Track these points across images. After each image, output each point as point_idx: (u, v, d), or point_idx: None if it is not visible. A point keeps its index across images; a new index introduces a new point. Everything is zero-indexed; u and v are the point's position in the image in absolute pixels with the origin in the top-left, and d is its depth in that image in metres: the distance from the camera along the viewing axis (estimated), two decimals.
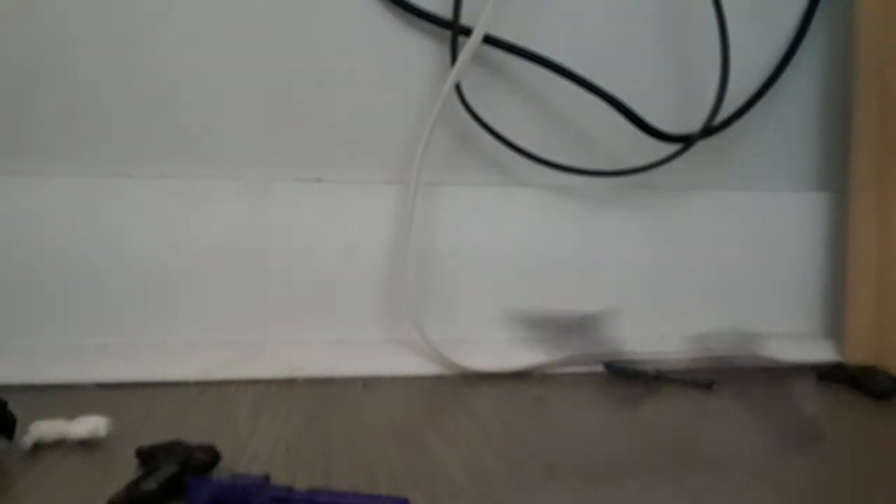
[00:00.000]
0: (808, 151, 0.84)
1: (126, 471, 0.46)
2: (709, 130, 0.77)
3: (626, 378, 0.72)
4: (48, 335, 0.71)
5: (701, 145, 0.78)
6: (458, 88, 0.75)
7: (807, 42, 0.81)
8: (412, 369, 0.72)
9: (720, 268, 0.82)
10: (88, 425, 0.52)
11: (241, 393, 0.65)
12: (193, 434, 0.50)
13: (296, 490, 0.42)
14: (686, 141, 0.77)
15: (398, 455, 0.50)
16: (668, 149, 0.78)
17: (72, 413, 0.53)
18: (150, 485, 0.42)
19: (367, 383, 0.69)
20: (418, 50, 0.76)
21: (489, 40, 0.74)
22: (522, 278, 0.78)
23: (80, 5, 0.71)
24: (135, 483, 0.43)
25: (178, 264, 0.73)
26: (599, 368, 0.74)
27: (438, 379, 0.71)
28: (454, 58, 0.74)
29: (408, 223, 0.73)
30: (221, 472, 0.46)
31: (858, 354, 0.76)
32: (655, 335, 0.80)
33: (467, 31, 0.73)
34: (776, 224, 0.83)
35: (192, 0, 0.72)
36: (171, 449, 0.47)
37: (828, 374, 0.73)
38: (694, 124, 0.78)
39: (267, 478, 0.43)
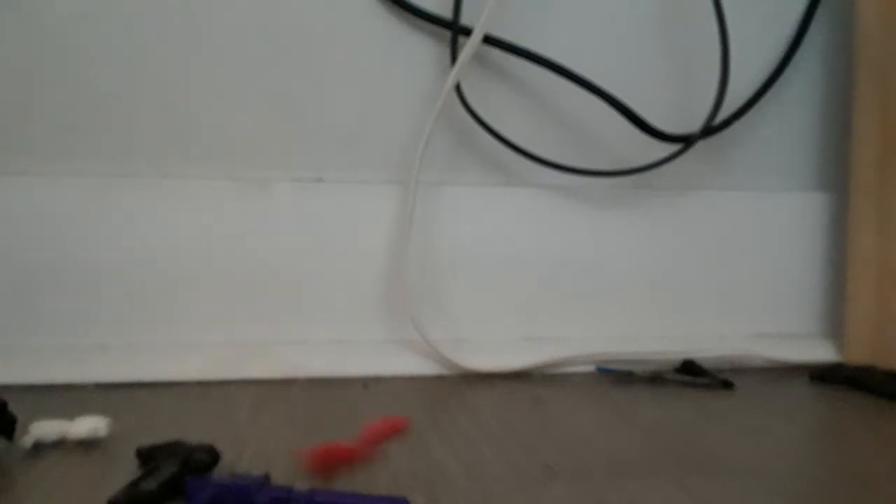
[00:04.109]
0: (808, 151, 0.84)
1: (126, 471, 0.46)
2: (709, 130, 0.77)
3: (622, 379, 0.72)
4: (48, 335, 0.71)
5: (701, 145, 0.78)
6: (458, 88, 0.75)
7: (807, 42, 0.81)
8: (412, 369, 0.72)
9: (720, 268, 0.82)
10: (88, 425, 0.52)
11: (241, 393, 0.65)
12: (193, 434, 0.50)
13: (296, 490, 0.42)
14: (686, 141, 0.77)
15: (398, 455, 0.50)
16: (668, 149, 0.78)
17: (72, 413, 0.53)
18: (150, 485, 0.42)
19: (367, 383, 0.69)
20: (418, 50, 0.76)
21: (489, 40, 0.74)
22: (522, 278, 0.78)
23: (81, 6, 0.71)
24: (135, 483, 0.43)
25: (178, 264, 0.73)
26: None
27: (438, 379, 0.71)
28: (454, 58, 0.74)
29: (408, 223, 0.73)
30: (221, 472, 0.46)
31: (858, 354, 0.76)
32: (655, 335, 0.80)
33: (467, 31, 0.73)
34: (776, 224, 0.83)
35: (192, 0, 0.73)
36: (171, 449, 0.47)
37: (827, 374, 0.73)
38: (694, 124, 0.78)
39: (267, 477, 0.43)
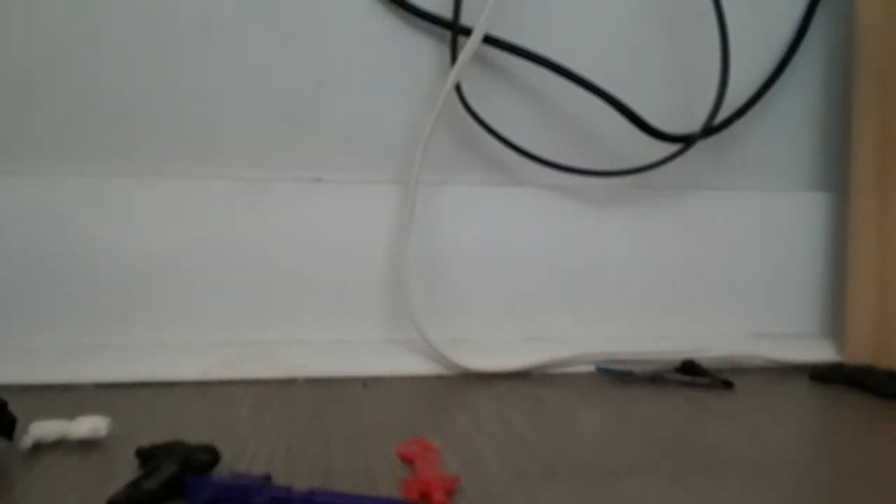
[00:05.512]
0: (808, 151, 0.84)
1: (126, 471, 0.46)
2: (709, 130, 0.77)
3: (622, 379, 0.72)
4: (48, 335, 0.71)
5: (701, 145, 0.78)
6: (458, 88, 0.75)
7: (807, 42, 0.81)
8: (412, 369, 0.72)
9: (720, 268, 0.82)
10: (88, 425, 0.52)
11: (241, 393, 0.65)
12: (193, 434, 0.50)
13: (296, 490, 0.42)
14: (686, 141, 0.77)
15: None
16: (668, 149, 0.78)
17: (72, 413, 0.53)
18: (151, 485, 0.42)
19: (367, 383, 0.69)
20: (418, 50, 0.76)
21: (489, 40, 0.74)
22: (522, 278, 0.78)
23: (80, 5, 0.71)
24: (135, 483, 0.43)
25: (178, 264, 0.73)
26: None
27: (438, 379, 0.71)
28: (454, 58, 0.74)
29: (408, 223, 0.73)
30: (221, 472, 0.46)
31: (858, 354, 0.76)
32: (655, 335, 0.80)
33: (467, 31, 0.73)
34: (776, 224, 0.83)
35: (191, 0, 0.73)
36: (171, 449, 0.47)
37: (827, 374, 0.73)
38: (694, 124, 0.78)
39: (268, 478, 0.43)
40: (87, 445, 0.51)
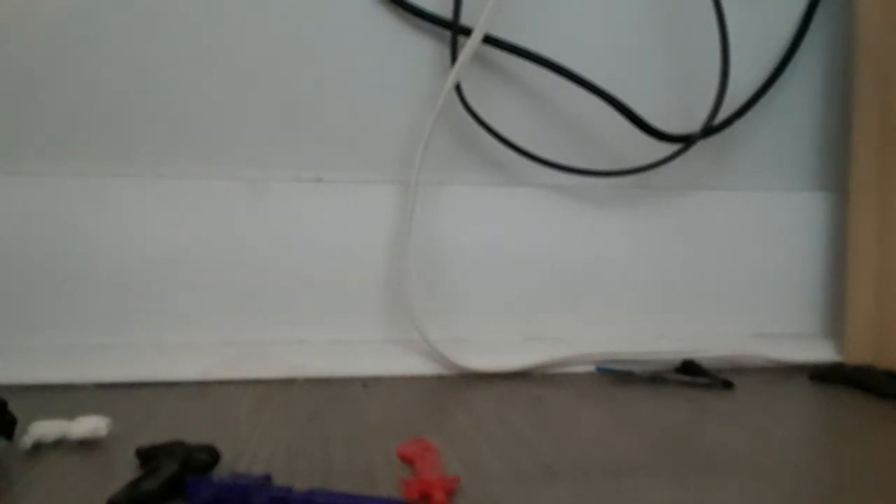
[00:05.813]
0: (808, 151, 0.84)
1: (126, 471, 0.46)
2: (709, 130, 0.77)
3: (622, 379, 0.72)
4: (48, 335, 0.71)
5: (701, 145, 0.78)
6: (458, 88, 0.75)
7: (807, 42, 0.81)
8: (412, 369, 0.72)
9: (720, 268, 0.82)
10: (88, 425, 0.52)
11: (241, 393, 0.65)
12: (193, 434, 0.50)
13: (296, 490, 0.42)
14: (686, 141, 0.77)
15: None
16: (668, 149, 0.78)
17: (72, 413, 0.53)
18: (151, 485, 0.42)
19: (367, 383, 0.69)
20: (418, 50, 0.76)
21: (489, 40, 0.74)
22: (522, 278, 0.78)
23: (81, 5, 0.71)
24: (135, 483, 0.43)
25: (178, 264, 0.73)
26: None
27: (438, 379, 0.71)
28: (454, 58, 0.74)
29: (408, 223, 0.73)
30: (221, 472, 0.46)
31: (858, 354, 0.76)
32: (655, 335, 0.80)
33: (467, 31, 0.73)
34: (776, 224, 0.83)
35: (191, 0, 0.73)
36: (171, 449, 0.47)
37: (827, 374, 0.73)
38: (694, 124, 0.78)
39: (268, 478, 0.43)
40: (87, 445, 0.51)
